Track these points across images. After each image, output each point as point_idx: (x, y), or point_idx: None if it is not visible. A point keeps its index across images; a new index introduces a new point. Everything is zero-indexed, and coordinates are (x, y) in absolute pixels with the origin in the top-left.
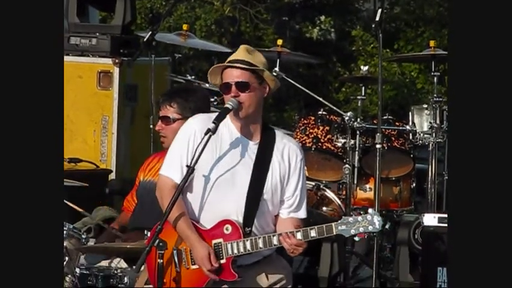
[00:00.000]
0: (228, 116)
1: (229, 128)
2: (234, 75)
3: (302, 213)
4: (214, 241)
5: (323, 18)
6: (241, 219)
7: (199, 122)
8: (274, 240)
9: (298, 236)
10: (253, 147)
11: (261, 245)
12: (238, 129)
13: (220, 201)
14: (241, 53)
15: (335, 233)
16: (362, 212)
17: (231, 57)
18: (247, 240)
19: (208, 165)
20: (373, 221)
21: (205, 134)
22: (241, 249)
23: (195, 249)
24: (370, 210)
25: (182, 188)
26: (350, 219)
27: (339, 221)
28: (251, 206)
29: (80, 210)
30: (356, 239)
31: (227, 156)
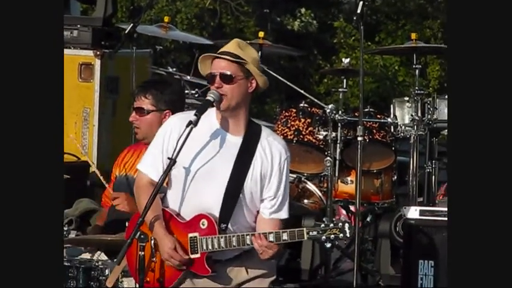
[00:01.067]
0: (213, 109)
1: (210, 120)
2: (219, 67)
3: (284, 214)
4: (190, 234)
5: (303, 10)
6: (217, 215)
7: (177, 120)
8: (247, 240)
9: (271, 238)
10: (234, 141)
11: (234, 243)
12: (219, 121)
13: (199, 194)
14: (231, 45)
15: (305, 239)
16: (341, 205)
17: (221, 49)
18: (221, 237)
19: (188, 157)
20: (344, 228)
21: (187, 126)
22: (216, 246)
23: (161, 242)
24: (342, 217)
25: (163, 183)
26: (322, 225)
27: (311, 227)
28: (229, 201)
29: (103, 181)
30: (327, 245)
31: (206, 149)
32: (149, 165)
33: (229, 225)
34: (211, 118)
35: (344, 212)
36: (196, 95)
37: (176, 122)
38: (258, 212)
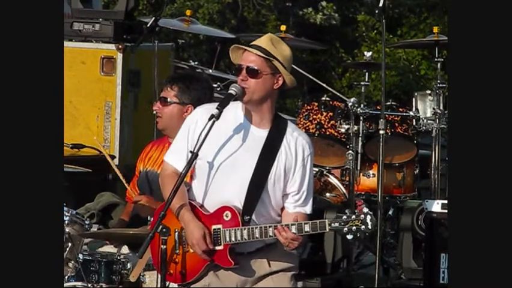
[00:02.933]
0: (240, 102)
1: (236, 112)
2: (247, 60)
3: (308, 209)
4: (213, 226)
5: (325, 3)
6: (241, 207)
7: (203, 111)
8: (270, 232)
9: (293, 229)
10: (259, 134)
11: (257, 235)
12: (244, 114)
13: (223, 186)
14: (264, 40)
15: (327, 230)
16: (363, 198)
17: (253, 42)
18: (244, 229)
19: (212, 150)
20: (366, 220)
21: (209, 119)
22: (238, 238)
23: (188, 229)
24: (365, 209)
25: (186, 174)
26: (344, 217)
27: (333, 219)
28: (252, 194)
29: (123, 180)
30: (349, 237)
31: (230, 141)
32: (174, 155)
33: (253, 218)
34: (236, 110)
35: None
36: (218, 89)
37: (203, 113)
38: (282, 208)
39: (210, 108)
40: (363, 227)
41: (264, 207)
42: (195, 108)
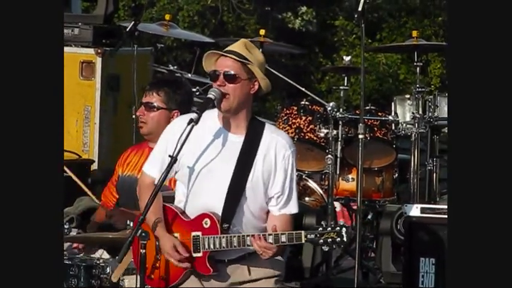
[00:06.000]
0: (216, 109)
1: (213, 119)
2: (223, 65)
3: (293, 208)
4: (193, 233)
5: (304, 8)
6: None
7: (180, 121)
8: (248, 241)
9: (270, 239)
10: (235, 140)
11: (235, 243)
12: (221, 120)
13: (202, 193)
14: (238, 45)
15: (303, 241)
16: (342, 203)
17: (228, 48)
18: (223, 237)
19: (191, 155)
20: (341, 233)
21: (188, 124)
22: (217, 245)
23: (161, 242)
24: (340, 222)
25: (165, 178)
26: (320, 228)
27: (309, 231)
28: (230, 202)
29: (86, 189)
30: (325, 248)
31: (209, 148)
32: (152, 166)
33: (234, 225)
34: (214, 118)
35: (340, 210)
36: (197, 93)
37: (180, 123)
38: (267, 212)
39: (188, 117)
40: (338, 239)
41: (245, 214)
42: (180, 113)
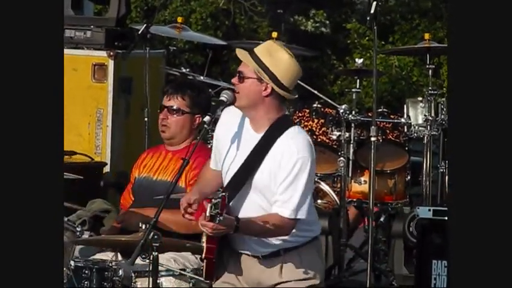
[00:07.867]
0: None
1: (244, 118)
2: (241, 64)
3: (286, 212)
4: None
5: (316, 11)
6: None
7: (226, 115)
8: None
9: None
10: (255, 137)
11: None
12: (249, 120)
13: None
14: (261, 46)
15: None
16: (354, 205)
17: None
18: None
19: (224, 150)
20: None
21: (201, 126)
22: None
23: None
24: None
25: (179, 177)
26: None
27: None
28: (231, 190)
29: (76, 207)
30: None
31: (233, 145)
32: (211, 160)
33: (235, 212)
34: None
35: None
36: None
37: (224, 117)
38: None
39: (233, 111)
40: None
41: (248, 206)
42: (203, 117)
